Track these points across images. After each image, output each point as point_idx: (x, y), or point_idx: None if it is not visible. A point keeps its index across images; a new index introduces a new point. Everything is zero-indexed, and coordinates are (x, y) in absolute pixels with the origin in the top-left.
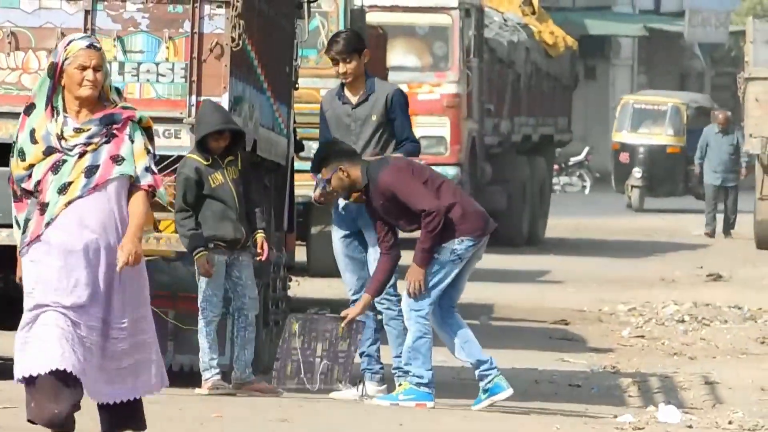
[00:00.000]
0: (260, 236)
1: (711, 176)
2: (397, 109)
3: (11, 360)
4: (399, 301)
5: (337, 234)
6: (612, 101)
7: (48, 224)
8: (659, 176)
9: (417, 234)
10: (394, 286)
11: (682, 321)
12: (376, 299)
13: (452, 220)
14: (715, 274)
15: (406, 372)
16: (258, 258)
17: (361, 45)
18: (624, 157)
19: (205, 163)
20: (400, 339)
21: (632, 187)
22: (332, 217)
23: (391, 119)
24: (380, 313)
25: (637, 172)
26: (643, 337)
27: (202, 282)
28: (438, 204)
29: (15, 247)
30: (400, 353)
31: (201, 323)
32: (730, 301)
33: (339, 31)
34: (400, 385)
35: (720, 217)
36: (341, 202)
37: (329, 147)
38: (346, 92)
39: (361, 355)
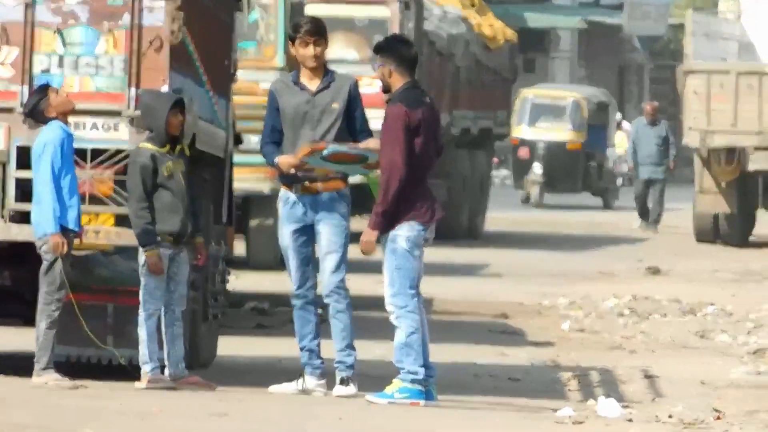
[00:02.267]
0: (200, 241)
1: (640, 169)
2: (358, 99)
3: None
4: (347, 294)
5: (286, 228)
6: None
7: None
8: (559, 172)
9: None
10: (343, 280)
11: (622, 314)
12: (325, 293)
13: (406, 201)
14: (654, 267)
15: (399, 369)
16: (196, 263)
17: (325, 31)
18: (523, 152)
19: (160, 150)
20: (345, 332)
21: (532, 183)
22: (281, 210)
23: (351, 109)
24: (322, 307)
25: (537, 168)
26: (583, 330)
27: (145, 275)
28: (399, 164)
29: None
30: (344, 346)
31: (142, 316)
32: (669, 294)
33: (305, 16)
34: (392, 382)
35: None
36: (291, 196)
37: (404, 44)
38: (303, 80)
39: (302, 349)
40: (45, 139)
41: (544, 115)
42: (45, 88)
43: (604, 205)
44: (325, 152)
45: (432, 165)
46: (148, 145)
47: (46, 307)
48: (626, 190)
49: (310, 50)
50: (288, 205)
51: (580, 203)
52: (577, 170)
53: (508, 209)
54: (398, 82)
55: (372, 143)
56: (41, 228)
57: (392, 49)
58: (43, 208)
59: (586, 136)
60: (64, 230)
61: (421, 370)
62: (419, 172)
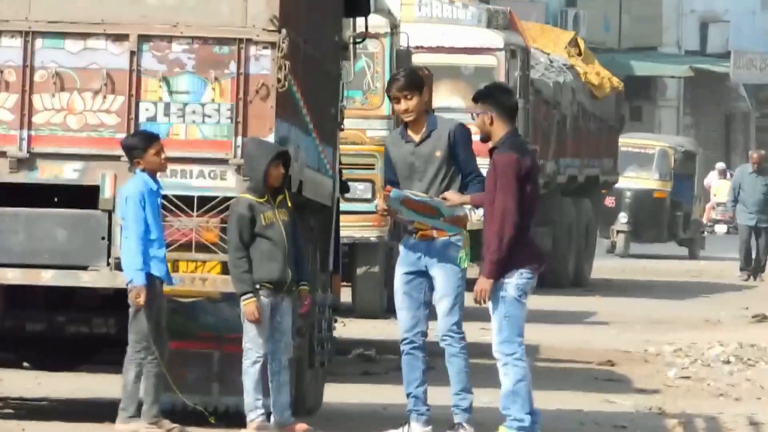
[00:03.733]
0: (305, 289)
1: (745, 217)
2: (461, 144)
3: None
4: (462, 338)
5: (399, 270)
6: None
7: None
8: (645, 221)
9: None
10: (458, 323)
11: (728, 362)
12: (440, 336)
13: (516, 248)
14: (761, 314)
15: (505, 416)
16: (300, 311)
17: (420, 82)
18: (609, 201)
19: (259, 200)
20: (459, 376)
21: (618, 231)
22: (399, 254)
23: (454, 155)
24: (437, 353)
25: (623, 217)
26: (688, 378)
27: (247, 324)
28: (513, 211)
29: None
30: (459, 390)
31: (246, 363)
32: None
33: (399, 70)
34: (497, 429)
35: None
36: (410, 240)
37: (505, 92)
38: (409, 131)
39: (408, 395)
40: (127, 193)
41: (630, 164)
42: (153, 138)
43: (689, 255)
44: (392, 195)
45: (536, 213)
46: (247, 195)
47: (135, 355)
48: (712, 240)
49: (402, 105)
50: (405, 249)
51: (665, 252)
52: (662, 219)
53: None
54: (500, 130)
55: (450, 195)
56: (126, 275)
57: (493, 96)
58: (127, 259)
59: (672, 185)
60: (151, 279)
61: (528, 418)
62: (527, 219)
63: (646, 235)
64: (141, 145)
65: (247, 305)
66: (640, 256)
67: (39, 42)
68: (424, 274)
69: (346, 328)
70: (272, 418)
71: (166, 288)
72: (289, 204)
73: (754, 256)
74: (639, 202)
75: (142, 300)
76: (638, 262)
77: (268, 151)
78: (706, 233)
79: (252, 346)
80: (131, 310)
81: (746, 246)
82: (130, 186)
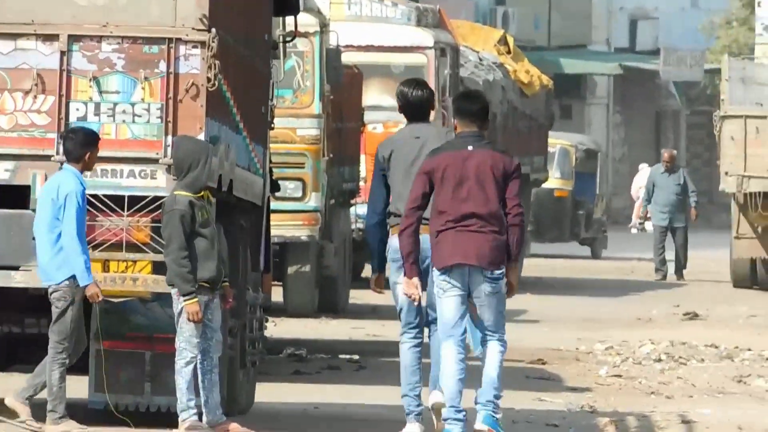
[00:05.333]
0: (227, 285)
1: (658, 217)
2: None
3: None
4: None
5: (399, 275)
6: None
7: None
8: (546, 221)
9: None
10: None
11: (659, 360)
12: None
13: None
14: (692, 312)
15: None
16: (226, 306)
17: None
18: None
19: (196, 196)
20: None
21: None
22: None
23: None
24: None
25: None
26: (620, 376)
27: (182, 323)
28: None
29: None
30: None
31: (180, 363)
32: (707, 339)
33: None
34: None
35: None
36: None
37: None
38: None
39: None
40: (67, 190)
41: None
42: (96, 139)
43: (592, 255)
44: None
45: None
46: (184, 192)
47: (58, 356)
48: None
49: None
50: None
51: (566, 252)
52: (564, 218)
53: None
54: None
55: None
56: (52, 276)
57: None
58: (69, 260)
59: (573, 184)
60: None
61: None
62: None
63: (548, 235)
64: (93, 144)
65: (192, 305)
66: (542, 256)
67: None
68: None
69: (277, 328)
70: (204, 418)
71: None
72: (212, 200)
73: (667, 256)
74: (540, 201)
75: (101, 296)
76: (546, 262)
77: (205, 148)
78: (636, 231)
79: (186, 345)
80: (56, 311)
81: (661, 247)
82: (68, 183)
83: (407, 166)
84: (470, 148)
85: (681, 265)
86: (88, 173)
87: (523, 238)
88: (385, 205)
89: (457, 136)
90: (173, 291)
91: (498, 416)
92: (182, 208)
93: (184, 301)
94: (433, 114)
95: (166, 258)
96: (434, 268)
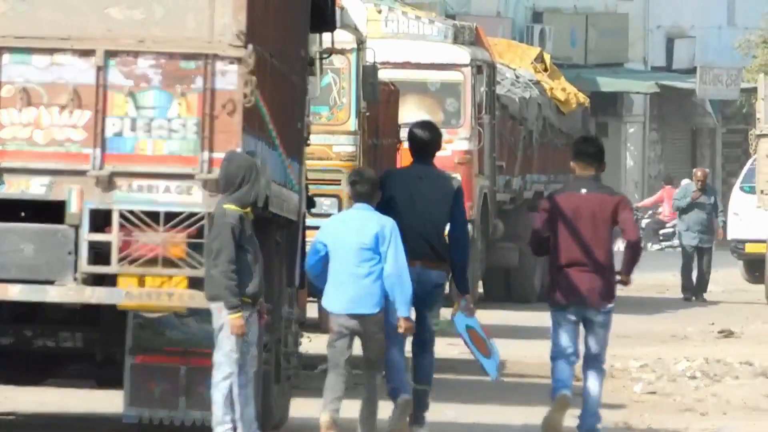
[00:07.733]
0: (261, 301)
1: (688, 236)
2: None
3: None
4: None
5: None
6: (624, 158)
7: None
8: None
9: None
10: None
11: (694, 377)
12: None
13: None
14: (727, 330)
15: None
16: (261, 322)
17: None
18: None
19: (244, 211)
20: None
21: None
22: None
23: None
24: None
25: None
26: (654, 393)
27: (222, 338)
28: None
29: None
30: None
31: (217, 377)
32: (741, 357)
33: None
34: None
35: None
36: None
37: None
38: None
39: None
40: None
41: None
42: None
43: None
44: (464, 321)
45: None
46: (233, 206)
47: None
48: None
49: None
50: None
51: None
52: None
53: None
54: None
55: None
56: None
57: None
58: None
59: None
60: None
61: None
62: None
63: None
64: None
65: (237, 318)
66: None
67: (6, 57)
68: None
69: (312, 343)
70: None
71: (132, 303)
72: (251, 217)
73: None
74: None
75: None
76: None
77: (255, 165)
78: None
79: (225, 360)
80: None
81: (689, 268)
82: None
83: (407, 202)
84: (584, 191)
85: (703, 287)
86: (124, 188)
87: (638, 255)
88: None
89: (575, 178)
90: (212, 305)
91: None
92: (233, 221)
93: (229, 314)
94: (469, 129)
95: (214, 270)
96: (550, 305)
